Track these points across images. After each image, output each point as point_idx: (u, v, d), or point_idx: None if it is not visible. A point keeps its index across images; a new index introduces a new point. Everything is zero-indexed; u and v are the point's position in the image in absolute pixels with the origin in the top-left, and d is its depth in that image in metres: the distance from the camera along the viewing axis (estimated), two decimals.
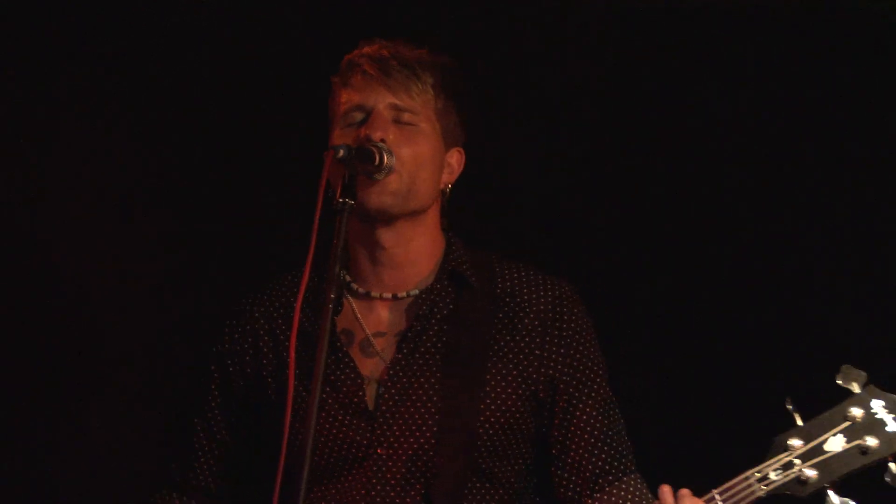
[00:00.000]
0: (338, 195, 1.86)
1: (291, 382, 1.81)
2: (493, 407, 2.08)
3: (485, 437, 2.08)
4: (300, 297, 1.85)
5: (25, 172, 3.08)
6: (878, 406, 1.95)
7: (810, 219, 3.26)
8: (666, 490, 1.95)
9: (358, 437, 2.05)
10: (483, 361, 2.12)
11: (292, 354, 1.81)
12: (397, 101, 2.06)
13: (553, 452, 2.11)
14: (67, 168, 3.08)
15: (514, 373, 2.11)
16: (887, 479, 1.96)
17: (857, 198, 3.30)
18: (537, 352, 2.13)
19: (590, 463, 2.12)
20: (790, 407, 1.99)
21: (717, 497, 1.98)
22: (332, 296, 1.82)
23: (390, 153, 1.99)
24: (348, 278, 2.12)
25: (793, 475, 1.95)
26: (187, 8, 3.07)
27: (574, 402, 2.14)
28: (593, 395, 2.15)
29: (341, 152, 1.88)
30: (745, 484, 1.98)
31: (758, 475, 1.98)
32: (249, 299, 2.19)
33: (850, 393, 1.96)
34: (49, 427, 3.05)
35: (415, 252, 2.12)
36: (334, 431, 2.06)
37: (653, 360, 3.17)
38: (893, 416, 1.95)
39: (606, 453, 2.14)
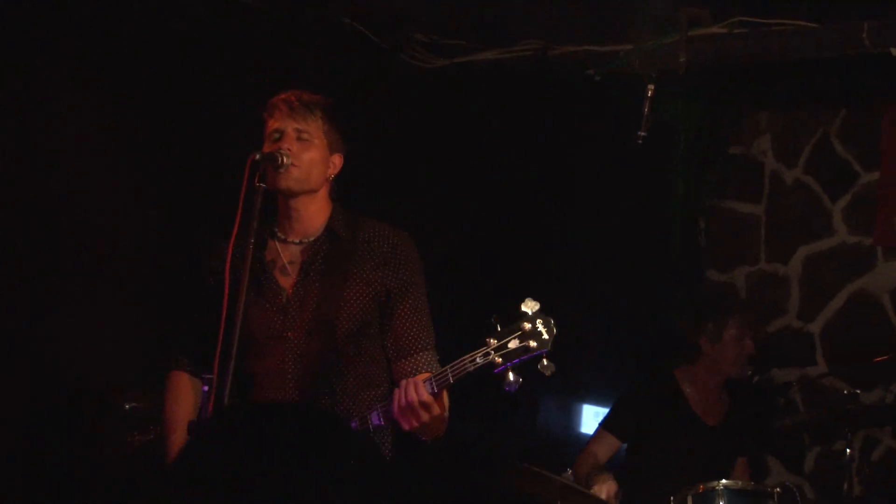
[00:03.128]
0: (256, 181, 2.70)
1: (227, 289, 2.63)
2: (349, 306, 2.85)
3: (344, 327, 2.84)
4: (231, 241, 2.70)
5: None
6: (539, 323, 2.60)
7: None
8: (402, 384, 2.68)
9: (277, 325, 2.85)
10: (345, 280, 2.87)
11: (227, 274, 2.66)
12: (298, 126, 2.84)
13: (386, 334, 2.91)
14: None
15: (365, 287, 2.88)
16: (539, 367, 2.62)
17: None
18: (380, 274, 2.88)
19: (401, 339, 2.88)
20: (494, 321, 2.63)
21: (448, 371, 2.66)
22: (252, 240, 2.65)
23: (287, 156, 2.77)
24: (276, 230, 2.92)
25: (489, 360, 2.60)
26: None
27: (398, 303, 2.89)
28: (410, 301, 2.91)
29: (257, 156, 2.70)
30: (463, 363, 2.63)
31: (470, 358, 2.62)
32: (221, 242, 2.89)
33: (526, 314, 2.61)
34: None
35: (311, 215, 2.91)
36: (266, 321, 2.85)
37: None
38: (546, 329, 2.60)
39: (412, 335, 2.90)
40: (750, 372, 4.24)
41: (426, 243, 3.19)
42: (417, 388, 2.63)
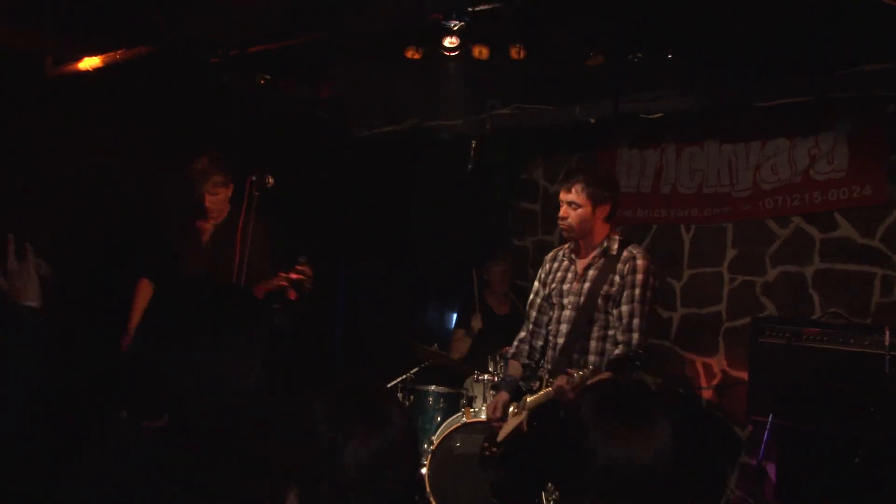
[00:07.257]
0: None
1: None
2: (244, 259, 4.08)
3: (241, 271, 4.12)
4: (241, 218, 4.29)
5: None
6: (305, 267, 4.08)
7: None
8: None
9: (205, 261, 4.33)
10: (245, 243, 4.12)
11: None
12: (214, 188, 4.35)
13: (263, 259, 4.30)
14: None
15: (253, 246, 4.16)
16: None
17: None
18: (258, 239, 4.21)
19: (260, 261, 4.26)
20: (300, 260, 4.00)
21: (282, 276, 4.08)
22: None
23: (212, 203, 4.29)
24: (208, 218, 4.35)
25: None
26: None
27: (258, 248, 4.23)
28: (261, 248, 4.29)
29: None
30: (279, 279, 4.12)
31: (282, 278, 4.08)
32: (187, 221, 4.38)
33: (300, 261, 4.08)
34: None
35: (220, 214, 4.40)
36: (205, 260, 4.31)
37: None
38: (309, 270, 3.99)
39: (265, 260, 4.33)
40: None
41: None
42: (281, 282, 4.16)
